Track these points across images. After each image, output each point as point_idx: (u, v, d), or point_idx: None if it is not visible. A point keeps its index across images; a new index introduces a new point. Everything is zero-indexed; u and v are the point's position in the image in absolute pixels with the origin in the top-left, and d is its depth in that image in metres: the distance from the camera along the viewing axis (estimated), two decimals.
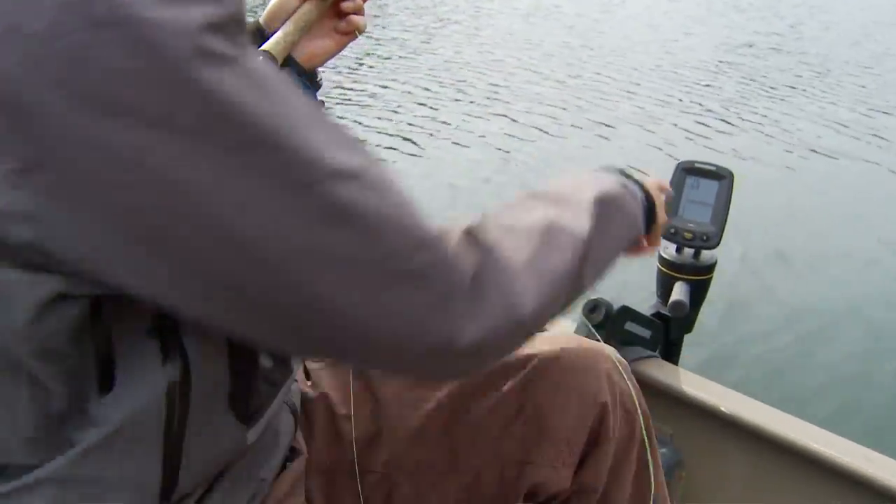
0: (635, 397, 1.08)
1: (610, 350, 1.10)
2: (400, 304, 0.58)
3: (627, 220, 0.85)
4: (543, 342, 1.08)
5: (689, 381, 1.58)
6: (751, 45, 10.94)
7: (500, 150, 5.90)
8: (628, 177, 0.90)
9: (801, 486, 1.43)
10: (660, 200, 0.95)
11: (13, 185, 0.49)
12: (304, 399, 0.98)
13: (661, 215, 0.96)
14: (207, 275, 0.53)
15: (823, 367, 3.16)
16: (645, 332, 1.60)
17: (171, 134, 0.49)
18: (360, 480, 0.97)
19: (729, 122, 6.92)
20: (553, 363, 1.03)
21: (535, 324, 0.68)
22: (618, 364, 1.08)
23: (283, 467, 0.85)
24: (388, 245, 0.57)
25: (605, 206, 0.79)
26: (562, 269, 0.70)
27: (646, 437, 1.09)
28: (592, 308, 1.56)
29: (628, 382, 1.07)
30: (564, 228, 0.72)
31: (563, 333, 1.59)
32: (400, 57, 9.17)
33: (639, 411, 1.07)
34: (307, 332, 0.58)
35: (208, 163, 0.50)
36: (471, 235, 0.64)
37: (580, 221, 0.75)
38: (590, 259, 0.74)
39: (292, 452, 0.88)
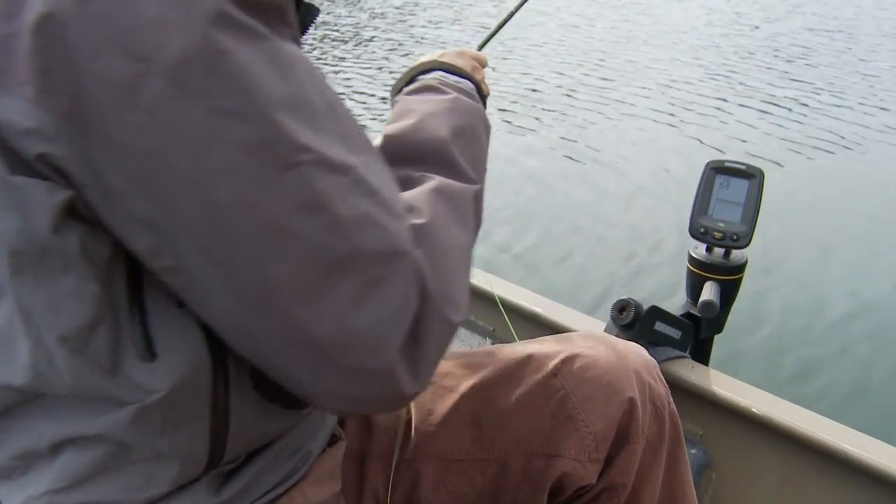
0: (665, 396, 1.07)
1: (639, 348, 1.10)
2: (349, 308, 0.59)
3: (480, 129, 0.88)
4: (572, 338, 1.09)
5: (720, 381, 1.57)
6: (790, 40, 10.83)
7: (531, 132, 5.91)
8: (449, 70, 0.93)
9: (833, 488, 1.42)
10: (481, 75, 0.97)
11: (38, 105, 0.55)
12: None
13: (486, 87, 0.98)
14: (179, 227, 0.57)
15: (856, 368, 3.12)
16: (675, 333, 1.60)
17: (176, 85, 0.54)
18: (390, 469, 0.99)
19: (761, 117, 6.86)
20: (581, 358, 1.03)
21: (466, 311, 0.71)
22: (647, 362, 1.08)
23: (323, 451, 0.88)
24: (357, 245, 0.59)
25: (464, 140, 0.82)
26: (469, 237, 0.76)
27: (676, 437, 1.09)
28: (621, 308, 1.56)
29: (658, 381, 1.07)
30: (458, 198, 0.75)
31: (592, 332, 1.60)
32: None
33: (668, 410, 1.07)
34: (255, 314, 0.59)
35: (201, 119, 0.55)
36: (421, 251, 0.65)
37: (462, 174, 0.79)
38: (481, 201, 0.81)
39: (332, 438, 0.90)
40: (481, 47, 1.03)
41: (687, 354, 1.64)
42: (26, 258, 0.59)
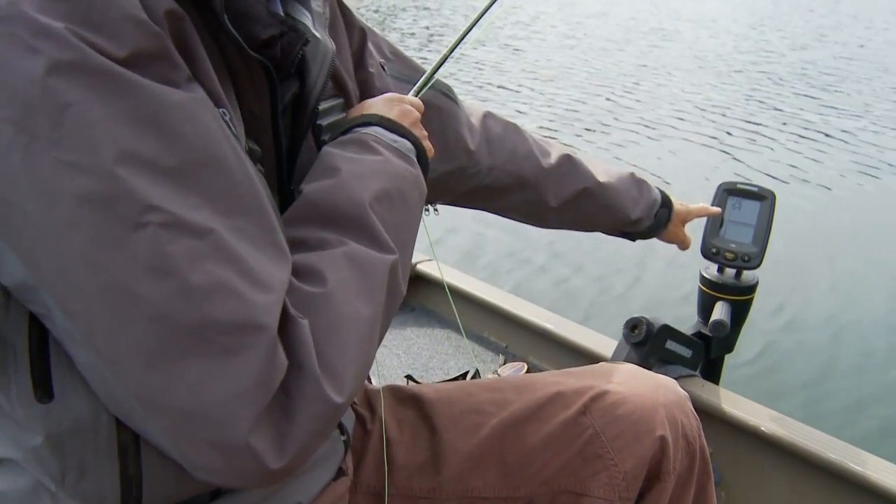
0: (696, 431, 1.05)
1: (671, 382, 1.07)
2: (199, 379, 0.57)
3: (411, 193, 0.81)
4: (601, 373, 1.07)
5: (730, 400, 1.58)
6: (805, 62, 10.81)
7: None
8: (388, 126, 0.85)
9: None
10: (421, 132, 0.89)
11: None
12: (361, 422, 1.01)
13: (429, 147, 0.90)
14: (38, 278, 0.57)
15: (865, 388, 3.10)
16: (685, 352, 1.61)
17: (25, 133, 0.54)
18: None
19: (774, 141, 6.85)
20: (611, 394, 1.00)
21: (356, 390, 0.67)
22: (678, 397, 1.04)
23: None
24: (207, 314, 0.56)
25: (388, 206, 0.76)
26: (375, 311, 0.70)
27: (705, 470, 1.07)
28: (633, 326, 1.57)
29: (689, 416, 1.04)
30: (369, 267, 0.71)
31: (613, 360, 1.61)
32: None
33: (699, 445, 1.04)
34: (113, 374, 0.58)
35: (47, 170, 0.54)
36: (290, 324, 0.62)
37: (380, 242, 0.73)
38: (400, 271, 0.75)
39: (338, 473, 0.90)
40: (417, 93, 0.98)
41: (697, 373, 1.65)
42: None
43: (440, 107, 1.16)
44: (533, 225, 1.38)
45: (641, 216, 1.37)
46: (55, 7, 0.54)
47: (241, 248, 0.59)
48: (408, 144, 0.85)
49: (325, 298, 0.66)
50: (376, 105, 0.88)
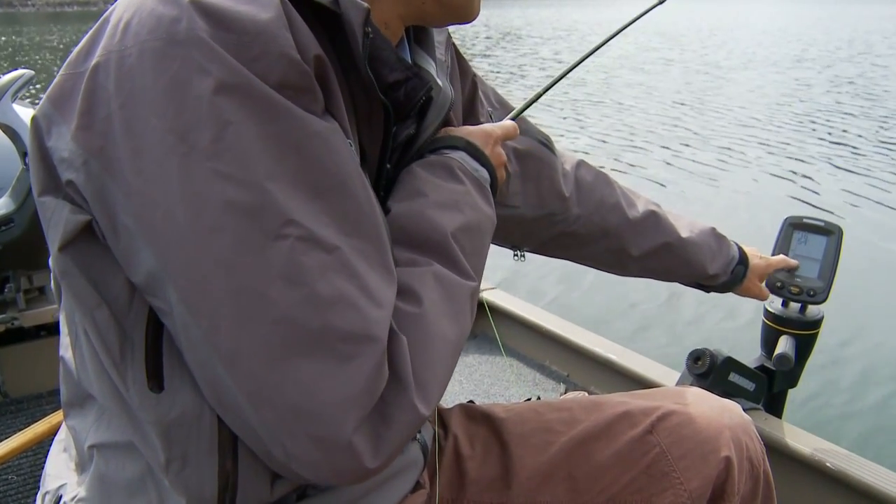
0: (760, 454, 1.06)
1: (734, 406, 1.08)
2: (314, 380, 0.62)
3: (486, 226, 0.86)
4: (667, 394, 1.10)
5: (794, 434, 1.58)
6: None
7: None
8: (473, 154, 0.89)
9: None
10: (499, 158, 0.92)
11: (74, 139, 0.64)
12: (436, 438, 1.04)
13: (502, 176, 0.94)
14: (170, 275, 0.62)
15: None
16: (749, 385, 1.61)
17: (185, 144, 0.60)
18: None
19: (843, 174, 6.74)
20: (677, 415, 1.02)
21: (437, 402, 0.73)
22: (743, 421, 1.06)
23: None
24: (329, 322, 0.62)
25: (469, 237, 0.81)
26: (459, 332, 0.75)
27: (769, 495, 1.08)
28: (697, 358, 1.58)
29: (754, 439, 1.06)
30: (455, 292, 0.76)
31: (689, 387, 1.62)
32: None
33: (763, 469, 1.06)
34: (228, 368, 0.62)
35: (202, 178, 0.60)
36: (392, 339, 0.67)
37: (463, 270, 0.78)
38: (475, 298, 0.80)
39: (416, 486, 0.93)
40: (515, 117, 1.03)
41: (760, 406, 1.65)
42: (56, 271, 0.70)
43: (539, 156, 1.22)
44: (612, 273, 1.43)
45: (718, 272, 1.41)
46: (226, 37, 0.61)
47: (360, 265, 0.65)
48: (486, 175, 0.89)
49: (421, 318, 0.71)
50: (472, 133, 0.91)
